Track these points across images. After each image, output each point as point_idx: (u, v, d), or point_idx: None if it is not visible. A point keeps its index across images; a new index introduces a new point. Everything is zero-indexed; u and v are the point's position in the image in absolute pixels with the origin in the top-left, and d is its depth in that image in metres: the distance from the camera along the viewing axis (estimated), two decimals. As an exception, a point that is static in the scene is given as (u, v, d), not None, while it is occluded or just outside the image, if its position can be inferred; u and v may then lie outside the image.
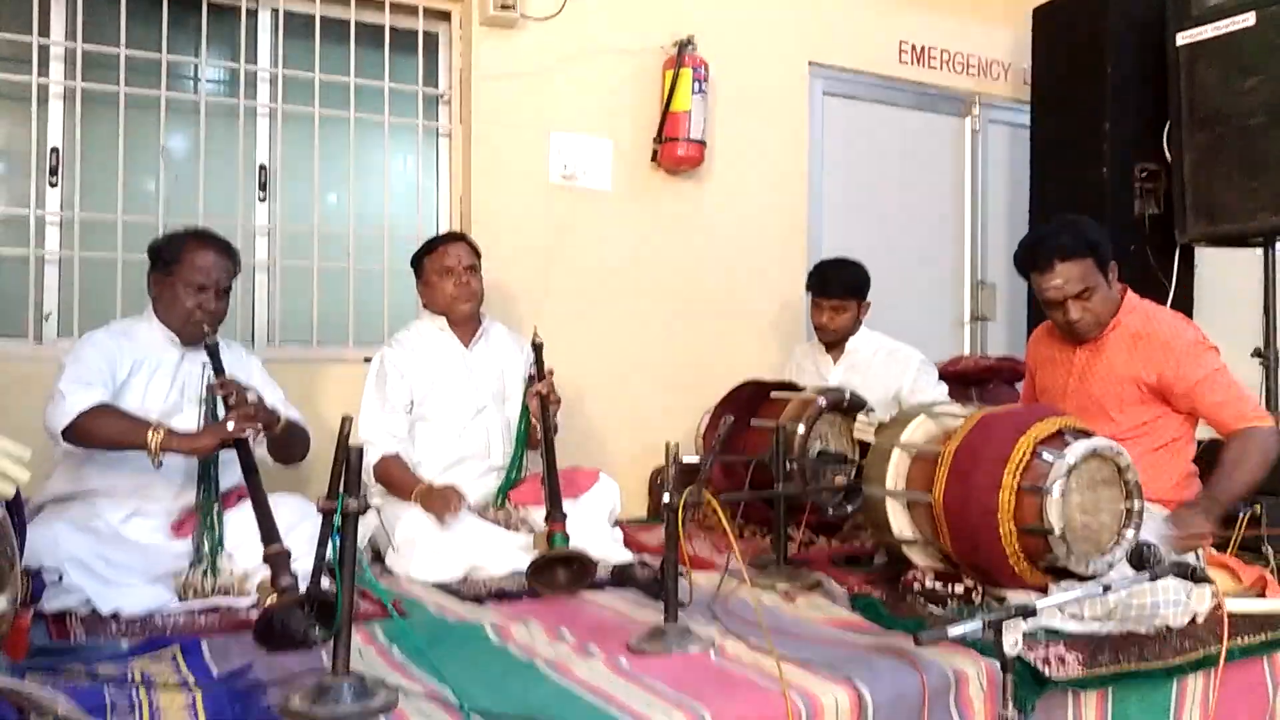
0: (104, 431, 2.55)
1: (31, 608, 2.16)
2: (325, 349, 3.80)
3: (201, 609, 2.51)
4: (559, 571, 2.75)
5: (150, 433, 2.52)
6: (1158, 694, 2.31)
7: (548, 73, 4.04)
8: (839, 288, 3.77)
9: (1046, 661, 2.20)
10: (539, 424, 3.12)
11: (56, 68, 3.49)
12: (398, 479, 3.13)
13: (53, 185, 3.49)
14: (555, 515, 2.87)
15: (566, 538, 2.80)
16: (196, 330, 2.84)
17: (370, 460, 3.11)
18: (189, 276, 2.82)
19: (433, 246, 3.38)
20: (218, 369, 2.79)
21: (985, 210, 5.19)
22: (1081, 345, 2.98)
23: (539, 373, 3.24)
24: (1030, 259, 2.93)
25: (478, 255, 3.40)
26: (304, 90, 3.83)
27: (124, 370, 2.76)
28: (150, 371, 2.81)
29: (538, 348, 3.29)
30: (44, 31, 3.45)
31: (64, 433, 2.53)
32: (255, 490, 2.54)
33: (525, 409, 3.28)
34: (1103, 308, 2.90)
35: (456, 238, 3.42)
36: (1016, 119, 5.09)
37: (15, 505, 1.83)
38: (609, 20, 4.15)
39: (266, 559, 2.32)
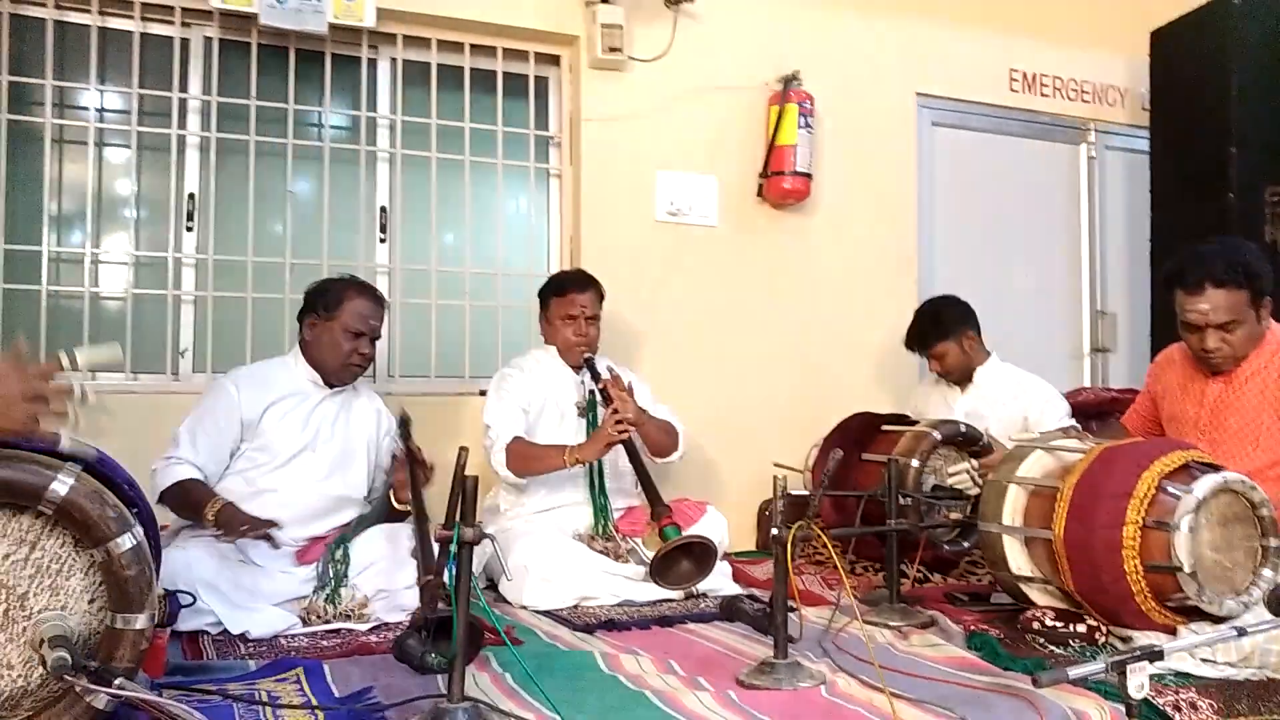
0: (177, 510, 2.78)
1: (168, 628, 2.28)
2: (443, 382, 3.92)
3: (324, 633, 2.62)
4: (682, 562, 2.74)
5: (209, 507, 2.69)
6: (1301, 746, 2.18)
7: (654, 113, 4.11)
8: (930, 338, 3.73)
9: (1177, 707, 2.10)
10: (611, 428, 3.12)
11: (194, 120, 3.72)
12: (535, 452, 3.19)
13: (189, 230, 3.70)
14: (659, 511, 2.88)
15: (678, 528, 2.80)
16: (350, 373, 3.04)
17: (499, 448, 3.19)
18: (348, 323, 2.98)
19: (563, 290, 3.44)
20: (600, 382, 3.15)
21: (1104, 239, 5.04)
22: (1215, 376, 2.80)
23: (595, 382, 3.31)
24: (1180, 276, 2.73)
25: (601, 299, 3.48)
26: (421, 135, 3.98)
27: (255, 411, 2.91)
28: (285, 410, 2.95)
29: (589, 362, 3.36)
30: (183, 87, 3.68)
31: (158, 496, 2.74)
32: (421, 529, 2.63)
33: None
34: (1244, 343, 2.70)
35: (586, 284, 3.46)
36: (1135, 145, 4.94)
37: (151, 530, 1.94)
38: (715, 59, 4.20)
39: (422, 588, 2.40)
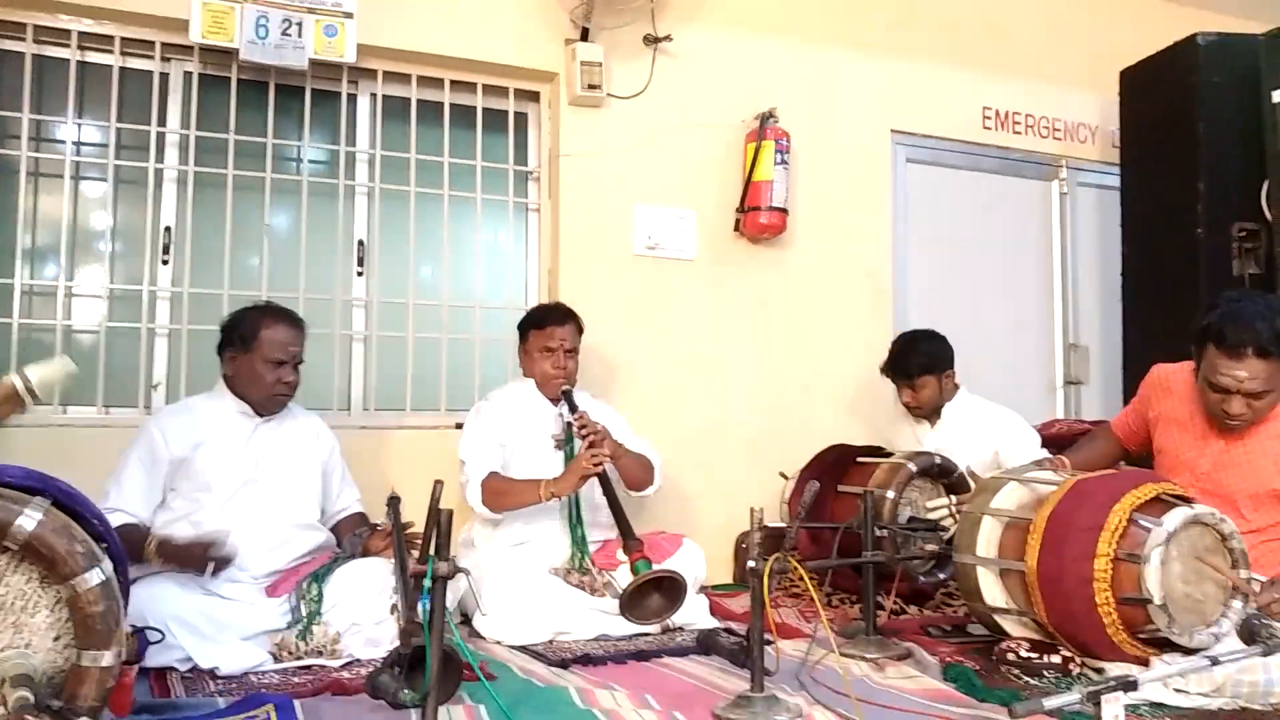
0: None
1: (136, 665, 2.24)
2: (418, 415, 3.90)
3: (296, 669, 2.59)
4: (653, 596, 2.72)
5: (147, 546, 2.64)
6: (1275, 776, 2.19)
7: (633, 148, 4.14)
8: (913, 368, 3.73)
9: (1151, 737, 2.11)
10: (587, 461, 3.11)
11: (172, 154, 3.72)
12: (511, 487, 3.18)
13: (164, 263, 3.69)
14: (631, 545, 2.86)
15: (649, 562, 2.79)
16: (277, 403, 3.00)
17: (475, 484, 3.17)
18: (268, 353, 2.93)
19: (542, 323, 3.44)
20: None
21: (1076, 274, 5.10)
22: (1223, 432, 2.72)
23: (572, 414, 3.30)
24: (1219, 336, 2.57)
25: (580, 332, 3.48)
26: (400, 169, 4.00)
27: (184, 449, 2.86)
28: (219, 447, 2.90)
29: (567, 394, 3.36)
30: (162, 121, 3.68)
31: None
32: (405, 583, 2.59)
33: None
34: (1264, 410, 2.63)
35: (565, 318, 3.47)
36: (1106, 181, 5.01)
37: (120, 566, 1.91)
38: (692, 96, 4.25)
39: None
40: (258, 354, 2.93)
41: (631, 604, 2.69)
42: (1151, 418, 2.97)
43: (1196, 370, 2.73)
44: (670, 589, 2.73)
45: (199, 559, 2.64)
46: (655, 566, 2.83)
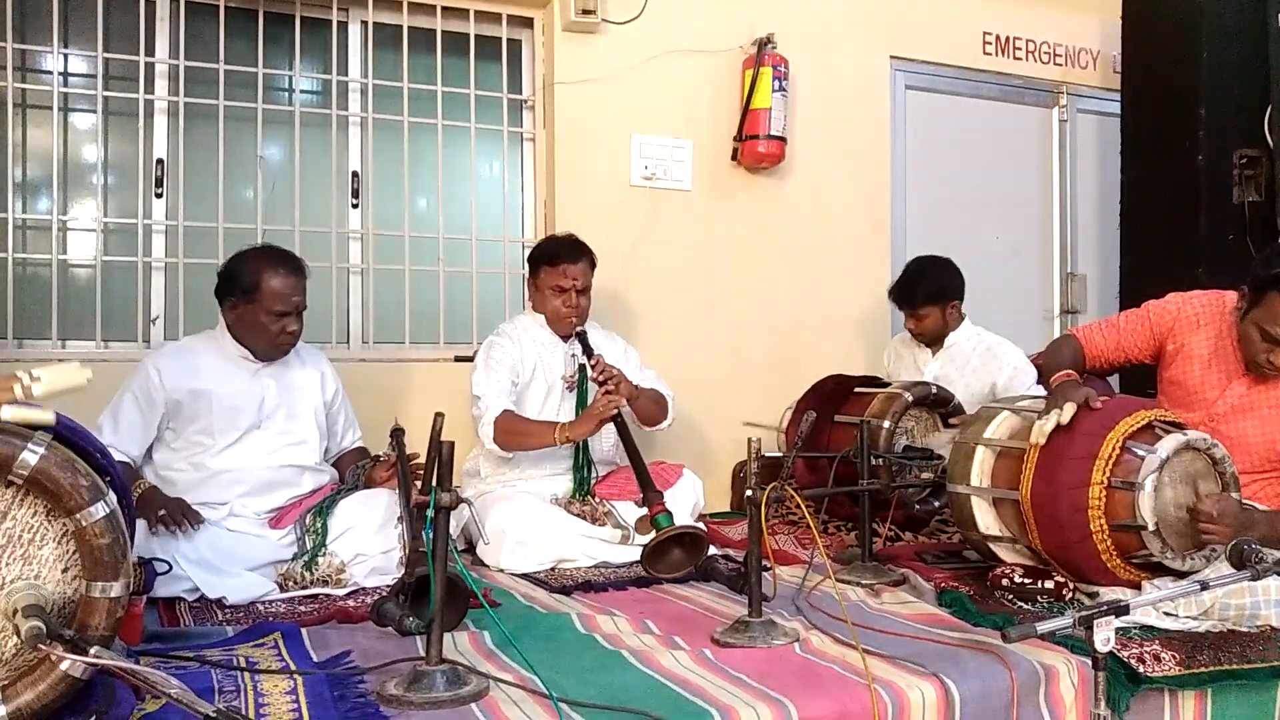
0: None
1: (144, 596, 2.28)
2: (417, 348, 3.91)
3: (302, 598, 2.63)
4: (674, 550, 2.73)
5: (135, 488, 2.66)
6: (1261, 695, 2.23)
7: (628, 76, 4.08)
8: (918, 297, 3.72)
9: (1141, 659, 2.16)
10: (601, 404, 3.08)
11: (162, 84, 3.66)
12: (525, 428, 3.16)
13: (158, 196, 3.66)
14: (652, 498, 2.85)
15: (670, 516, 2.79)
16: (281, 351, 2.96)
17: (488, 421, 3.14)
18: (270, 305, 2.85)
19: (555, 260, 3.33)
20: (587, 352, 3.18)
21: (1075, 202, 5.07)
22: (1247, 373, 2.68)
23: (588, 358, 3.26)
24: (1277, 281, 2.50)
25: (593, 268, 3.40)
26: (393, 99, 3.94)
27: (182, 392, 2.83)
28: (222, 393, 2.86)
29: (581, 335, 3.31)
30: (150, 51, 3.62)
31: None
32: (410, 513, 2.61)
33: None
34: None
35: (578, 255, 3.36)
36: (1106, 108, 4.96)
37: (125, 498, 1.93)
38: (688, 22, 4.17)
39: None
40: (260, 305, 2.84)
41: (653, 557, 2.69)
42: (1171, 350, 2.88)
43: (1243, 312, 2.64)
44: (691, 543, 2.73)
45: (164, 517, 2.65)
46: (675, 520, 2.81)
